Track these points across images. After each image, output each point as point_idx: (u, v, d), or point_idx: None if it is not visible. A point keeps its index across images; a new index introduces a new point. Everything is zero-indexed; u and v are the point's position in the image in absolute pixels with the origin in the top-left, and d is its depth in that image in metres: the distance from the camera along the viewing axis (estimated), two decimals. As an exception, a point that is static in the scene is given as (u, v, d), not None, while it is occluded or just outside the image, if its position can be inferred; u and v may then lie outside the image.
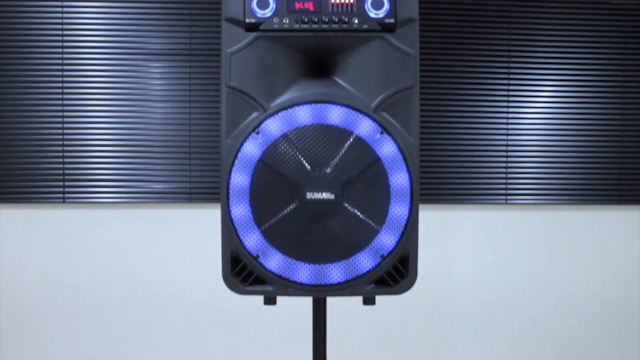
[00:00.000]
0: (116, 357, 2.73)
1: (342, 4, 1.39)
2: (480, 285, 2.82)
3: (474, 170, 2.78)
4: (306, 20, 1.39)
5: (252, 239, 1.39)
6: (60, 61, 2.68)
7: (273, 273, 1.40)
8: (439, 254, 2.81)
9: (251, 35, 1.40)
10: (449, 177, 2.78)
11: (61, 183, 2.69)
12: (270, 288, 1.42)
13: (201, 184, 2.71)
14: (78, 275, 2.71)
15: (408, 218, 1.39)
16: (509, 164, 2.79)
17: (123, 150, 2.70)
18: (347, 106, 1.39)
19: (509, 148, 2.79)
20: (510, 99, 2.79)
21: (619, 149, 2.82)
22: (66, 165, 2.68)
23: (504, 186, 2.79)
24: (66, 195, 2.69)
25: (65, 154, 2.68)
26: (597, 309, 2.87)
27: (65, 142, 2.68)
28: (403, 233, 1.39)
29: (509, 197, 2.79)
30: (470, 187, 2.78)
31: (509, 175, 2.79)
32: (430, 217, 2.77)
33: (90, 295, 2.72)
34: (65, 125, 2.68)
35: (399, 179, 1.39)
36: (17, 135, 2.67)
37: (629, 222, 2.86)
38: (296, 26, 1.39)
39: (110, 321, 2.73)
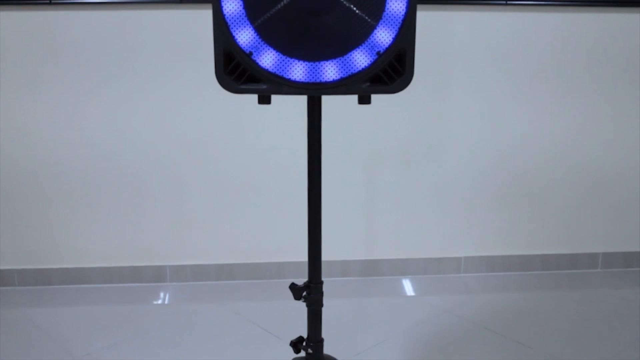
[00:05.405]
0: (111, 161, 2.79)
1: None
2: (476, 89, 2.82)
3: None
4: None
5: (245, 36, 1.35)
6: None
7: (267, 71, 1.38)
8: (435, 55, 2.77)
9: None
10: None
11: (45, -18, 2.58)
12: (264, 86, 1.41)
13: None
14: (66, 81, 2.69)
15: (405, 13, 1.35)
16: (512, -38, 2.67)
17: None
18: None
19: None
20: None
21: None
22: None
23: (505, -15, 2.69)
24: (51, -4, 2.59)
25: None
26: (595, 117, 2.89)
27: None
28: (400, 29, 1.36)
29: (510, -3, 2.71)
30: (470, -13, 2.68)
31: (512, -26, 2.68)
32: (426, 18, 2.70)
33: (80, 101, 2.72)
34: None
35: (397, -29, 1.32)
36: None
37: (632, 25, 2.79)
38: None
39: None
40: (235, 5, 1.34)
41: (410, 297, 2.84)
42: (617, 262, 3.08)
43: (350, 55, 1.36)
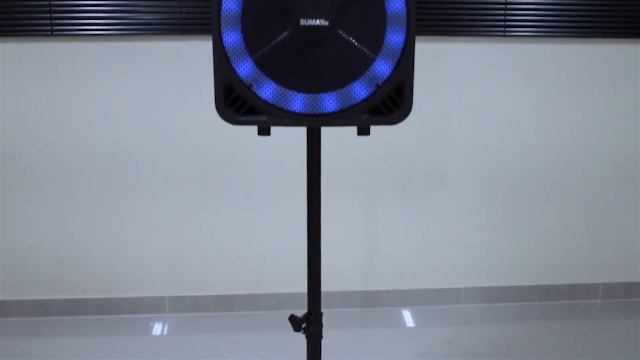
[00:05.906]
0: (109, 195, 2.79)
1: None
2: (475, 120, 2.83)
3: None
4: None
5: (245, 68, 1.37)
6: None
7: (267, 102, 1.39)
8: (433, 87, 2.79)
9: None
10: (444, 7, 2.69)
11: (48, 15, 2.60)
12: (263, 118, 1.41)
13: (193, 14, 2.62)
14: (67, 110, 2.70)
15: (404, 46, 1.36)
16: (509, -5, 2.71)
17: (109, -21, 2.59)
18: None
19: (510, -22, 2.69)
20: None
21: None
22: (51, -4, 2.59)
23: (502, 17, 2.71)
24: (54, 28, 2.61)
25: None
26: (594, 147, 2.90)
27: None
28: (398, 61, 1.37)
29: (507, 29, 2.72)
30: (466, 18, 2.70)
31: (508, 6, 2.71)
32: (425, 49, 2.73)
33: (81, 130, 2.72)
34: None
35: (395, 4, 1.34)
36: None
37: (629, 56, 2.82)
38: None
39: (102, 155, 2.76)
40: (236, 37, 1.35)
41: (411, 328, 2.82)
42: (618, 292, 3.07)
43: (350, 87, 1.37)
